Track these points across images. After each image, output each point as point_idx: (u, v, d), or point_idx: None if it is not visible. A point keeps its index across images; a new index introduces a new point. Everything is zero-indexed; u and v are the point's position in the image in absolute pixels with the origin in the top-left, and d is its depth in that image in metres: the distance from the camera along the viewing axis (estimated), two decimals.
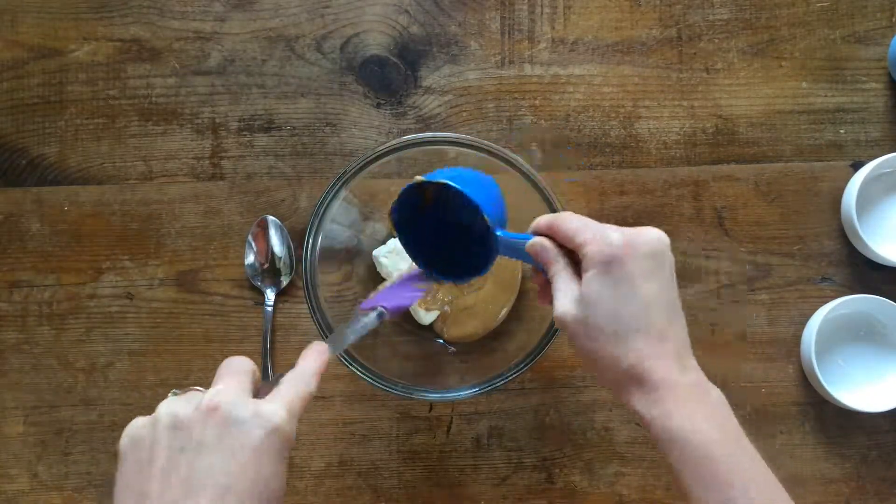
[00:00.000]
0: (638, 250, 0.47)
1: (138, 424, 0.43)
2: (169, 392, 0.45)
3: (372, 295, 0.63)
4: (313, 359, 0.48)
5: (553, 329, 0.64)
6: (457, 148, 0.66)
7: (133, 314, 0.75)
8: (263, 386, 0.46)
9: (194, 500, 0.40)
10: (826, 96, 0.76)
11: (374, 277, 0.73)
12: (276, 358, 0.74)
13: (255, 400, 0.43)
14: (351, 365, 0.64)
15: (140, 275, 0.75)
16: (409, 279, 0.62)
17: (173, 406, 0.43)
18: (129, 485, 0.42)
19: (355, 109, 0.76)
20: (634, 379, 0.47)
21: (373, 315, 0.56)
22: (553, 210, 0.65)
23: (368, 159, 0.65)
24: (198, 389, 0.44)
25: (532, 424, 0.73)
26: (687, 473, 0.46)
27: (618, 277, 0.47)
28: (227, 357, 0.46)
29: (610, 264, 0.47)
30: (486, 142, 0.65)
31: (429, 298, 0.65)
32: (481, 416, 0.74)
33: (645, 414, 0.46)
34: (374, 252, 0.71)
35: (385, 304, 0.57)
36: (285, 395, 0.45)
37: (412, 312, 0.71)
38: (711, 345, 0.74)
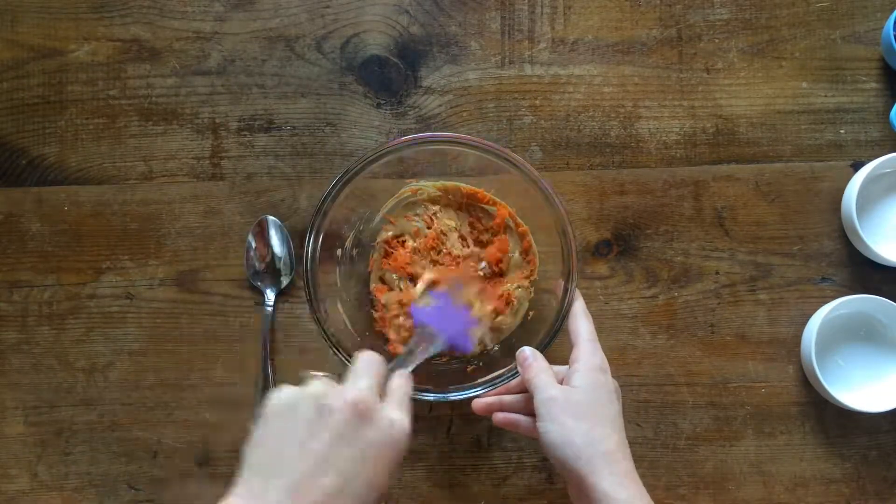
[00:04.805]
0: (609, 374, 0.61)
1: (291, 394, 0.48)
2: (302, 375, 0.49)
3: (421, 296, 0.67)
4: (404, 382, 0.53)
5: (553, 330, 0.64)
6: (457, 148, 0.66)
7: (133, 314, 0.75)
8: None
9: (321, 477, 0.45)
10: (826, 96, 0.76)
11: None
12: (277, 358, 0.74)
13: (385, 404, 0.49)
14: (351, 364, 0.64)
15: (140, 275, 0.75)
16: (446, 300, 0.66)
17: (323, 389, 0.48)
18: (268, 444, 0.47)
19: (355, 109, 0.76)
20: (609, 461, 0.55)
21: (438, 345, 0.61)
22: (553, 207, 0.64)
23: (369, 159, 0.65)
24: (330, 377, 0.49)
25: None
26: None
27: (601, 381, 0.59)
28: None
29: (597, 371, 0.59)
30: (486, 142, 0.65)
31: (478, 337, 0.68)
32: (481, 416, 0.74)
33: (612, 493, 0.54)
34: None
35: (447, 335, 0.62)
36: (404, 404, 0.50)
37: None
38: (711, 345, 0.74)
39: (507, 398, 0.65)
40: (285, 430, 0.47)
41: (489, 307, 0.68)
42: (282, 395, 0.48)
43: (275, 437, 0.47)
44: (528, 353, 0.61)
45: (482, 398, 0.65)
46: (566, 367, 0.61)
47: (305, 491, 0.45)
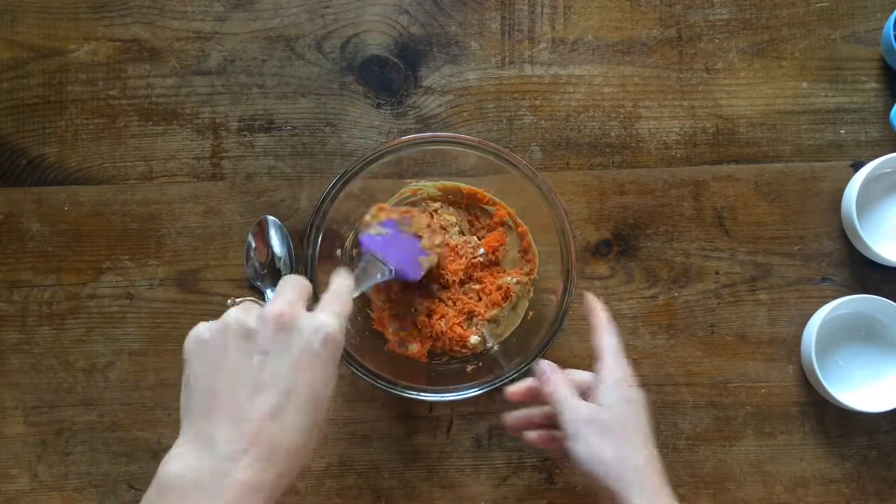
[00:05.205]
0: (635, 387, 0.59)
1: (206, 329, 0.46)
2: (227, 304, 0.47)
3: (371, 223, 0.65)
4: (344, 278, 0.52)
5: (553, 329, 0.64)
6: (457, 148, 0.66)
7: (133, 314, 0.75)
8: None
9: (260, 399, 0.44)
10: (826, 96, 0.76)
11: None
12: None
13: (310, 313, 0.47)
14: (351, 365, 0.64)
15: (140, 275, 0.75)
16: (399, 226, 0.66)
17: (240, 315, 0.46)
18: (198, 384, 0.45)
19: (355, 109, 0.76)
20: (640, 476, 0.55)
21: (385, 272, 0.61)
22: (552, 207, 0.64)
23: (368, 159, 0.65)
24: (254, 301, 0.47)
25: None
26: None
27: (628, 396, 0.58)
28: None
29: (622, 386, 0.58)
30: (486, 142, 0.65)
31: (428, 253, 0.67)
32: (481, 416, 0.74)
33: None
34: None
35: (393, 265, 0.62)
36: (333, 306, 0.49)
37: None
38: (711, 345, 0.74)
39: (536, 412, 0.64)
40: (211, 366, 0.45)
41: (437, 239, 0.67)
42: (197, 333, 0.47)
43: (203, 376, 0.45)
44: (544, 366, 0.60)
45: (512, 413, 0.65)
46: (584, 371, 0.60)
47: (249, 417, 0.44)
